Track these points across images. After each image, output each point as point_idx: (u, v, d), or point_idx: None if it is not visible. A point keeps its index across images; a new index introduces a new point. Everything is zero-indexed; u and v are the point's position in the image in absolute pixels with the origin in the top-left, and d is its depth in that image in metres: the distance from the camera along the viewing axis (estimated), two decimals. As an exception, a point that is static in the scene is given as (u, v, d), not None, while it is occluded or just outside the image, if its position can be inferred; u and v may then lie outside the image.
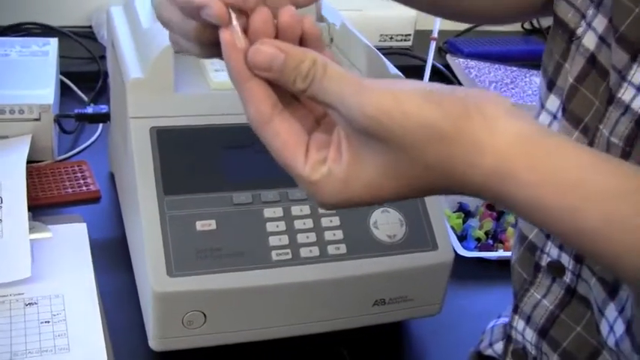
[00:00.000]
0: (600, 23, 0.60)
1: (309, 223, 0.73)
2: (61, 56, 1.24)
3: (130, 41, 0.85)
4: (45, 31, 1.42)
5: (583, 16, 0.63)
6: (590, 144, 0.59)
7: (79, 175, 1.02)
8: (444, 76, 1.47)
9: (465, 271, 0.90)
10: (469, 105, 0.45)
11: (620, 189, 0.44)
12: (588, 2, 0.62)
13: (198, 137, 0.75)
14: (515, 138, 0.44)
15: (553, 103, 0.65)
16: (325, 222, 0.74)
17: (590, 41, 0.61)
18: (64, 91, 1.25)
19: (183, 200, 0.72)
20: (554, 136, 0.47)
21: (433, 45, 1.16)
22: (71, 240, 0.88)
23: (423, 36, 1.55)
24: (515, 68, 1.59)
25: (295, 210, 0.74)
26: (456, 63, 1.54)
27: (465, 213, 1.03)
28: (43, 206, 0.95)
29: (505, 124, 0.45)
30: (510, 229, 1.00)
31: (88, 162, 1.06)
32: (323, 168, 0.48)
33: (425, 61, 1.26)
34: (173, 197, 0.72)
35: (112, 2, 1.42)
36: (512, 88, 1.46)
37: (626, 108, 0.56)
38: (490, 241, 0.98)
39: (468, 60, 1.57)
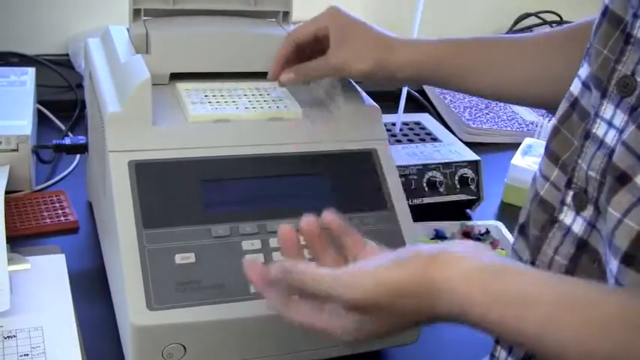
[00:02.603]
0: (585, 71, 0.65)
1: (287, 255, 0.74)
2: (38, 85, 1.24)
3: (108, 74, 0.86)
4: (23, 60, 1.42)
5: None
6: (570, 180, 0.63)
7: (57, 205, 1.03)
8: (418, 102, 1.49)
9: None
10: (426, 259, 0.56)
11: (556, 297, 0.53)
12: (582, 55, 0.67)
13: (176, 170, 0.76)
14: (466, 273, 0.55)
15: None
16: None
17: (575, 87, 0.66)
18: (41, 119, 1.25)
19: (162, 233, 0.73)
20: (502, 267, 0.56)
21: (408, 73, 1.17)
22: (50, 271, 0.88)
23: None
24: (489, 93, 1.61)
25: (273, 242, 0.75)
26: (431, 89, 1.56)
27: (442, 239, 1.04)
28: (22, 237, 0.95)
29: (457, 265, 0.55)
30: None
31: (66, 192, 1.06)
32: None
33: (399, 88, 1.27)
34: (152, 231, 0.72)
35: (88, 31, 1.44)
36: (487, 114, 1.48)
37: (601, 142, 0.60)
38: (466, 268, 0.99)
39: (443, 85, 1.58)
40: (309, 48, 0.84)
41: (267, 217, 0.76)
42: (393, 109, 1.21)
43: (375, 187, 0.81)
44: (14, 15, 1.50)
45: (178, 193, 0.75)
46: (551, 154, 0.68)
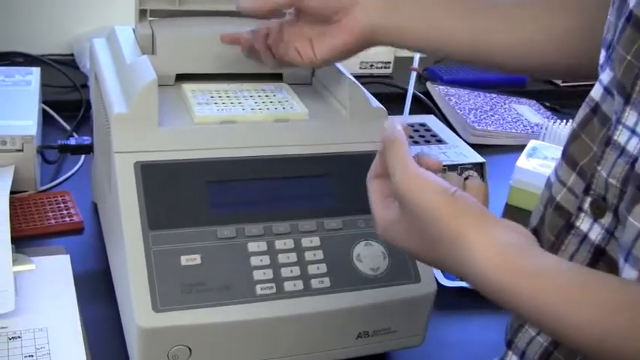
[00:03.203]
0: (607, 76, 0.63)
1: (292, 257, 0.74)
2: (43, 85, 1.24)
3: (114, 75, 0.86)
4: (27, 59, 1.42)
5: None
6: (588, 185, 0.62)
7: (61, 205, 1.03)
8: (423, 104, 1.48)
9: (447, 300, 0.91)
10: (475, 209, 0.57)
11: (575, 277, 0.53)
12: (605, 60, 0.65)
13: (182, 172, 0.76)
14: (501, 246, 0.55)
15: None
16: (309, 256, 0.75)
17: (596, 92, 0.65)
18: (46, 119, 1.25)
19: (167, 235, 0.72)
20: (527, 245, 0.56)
21: (414, 75, 1.17)
22: (55, 272, 0.88)
23: (402, 63, 1.57)
24: (494, 95, 1.61)
25: (279, 244, 0.74)
26: (436, 90, 1.56)
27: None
28: (26, 238, 0.95)
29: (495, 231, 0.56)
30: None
31: (71, 192, 1.06)
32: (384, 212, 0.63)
33: (404, 89, 1.27)
34: (158, 232, 0.72)
35: (93, 31, 1.44)
36: (492, 115, 1.48)
37: (622, 150, 0.58)
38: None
39: (448, 87, 1.59)
40: None
41: (273, 218, 0.76)
42: (399, 111, 1.21)
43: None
44: (19, 15, 1.50)
45: (184, 194, 0.75)
46: (569, 159, 0.66)
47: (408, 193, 0.58)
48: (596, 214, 0.62)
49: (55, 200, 1.04)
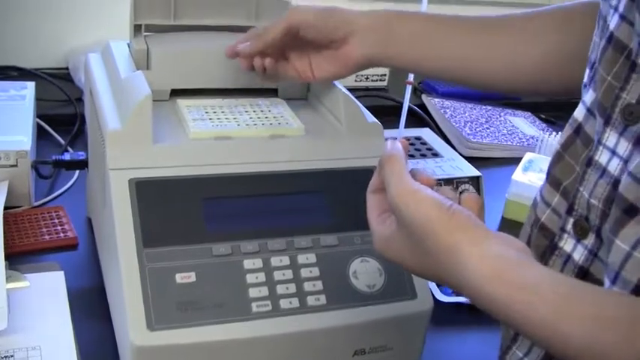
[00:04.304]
0: (590, 97, 0.63)
1: (288, 274, 0.74)
2: (38, 99, 1.24)
3: (108, 90, 0.86)
4: (22, 73, 1.42)
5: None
6: (571, 206, 0.62)
7: (56, 221, 1.02)
8: (419, 116, 1.48)
9: (443, 316, 0.90)
10: (470, 222, 0.56)
11: (568, 290, 0.52)
12: (588, 79, 0.65)
13: (177, 188, 0.75)
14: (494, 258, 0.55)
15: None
16: (305, 273, 0.74)
17: (579, 113, 0.65)
18: (40, 134, 1.24)
19: (162, 252, 0.72)
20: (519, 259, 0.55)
21: (409, 89, 1.17)
22: (48, 289, 0.87)
23: (398, 75, 1.57)
24: (490, 107, 1.61)
25: (275, 261, 0.74)
26: (432, 103, 1.56)
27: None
28: (20, 254, 0.95)
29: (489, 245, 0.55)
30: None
31: (65, 207, 1.06)
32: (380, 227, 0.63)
33: (400, 102, 1.27)
34: (152, 250, 0.72)
35: (88, 44, 1.43)
36: (488, 128, 1.48)
37: (603, 171, 0.59)
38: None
39: (444, 100, 1.59)
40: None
41: (268, 235, 0.75)
42: (394, 124, 1.21)
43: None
44: (14, 28, 1.50)
45: (179, 211, 0.74)
46: (553, 180, 0.67)
47: (403, 207, 0.58)
48: (580, 234, 0.62)
49: (50, 215, 1.03)
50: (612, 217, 0.56)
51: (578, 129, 0.65)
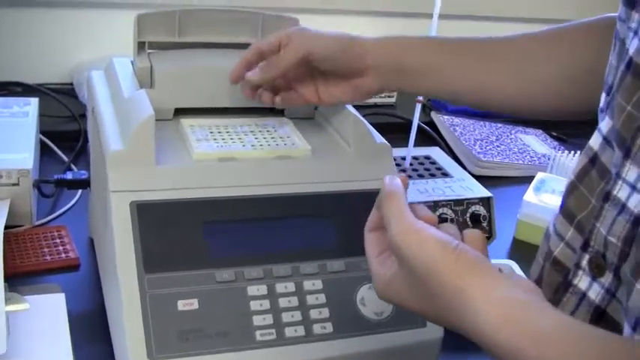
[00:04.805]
0: (606, 124, 0.61)
1: (294, 300, 0.72)
2: (42, 115, 1.22)
3: (111, 109, 0.84)
4: (25, 89, 1.41)
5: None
6: (587, 241, 0.59)
7: (57, 241, 1.00)
8: (428, 134, 1.46)
9: (454, 344, 0.88)
10: (478, 264, 0.54)
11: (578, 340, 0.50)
12: (605, 104, 0.63)
13: (179, 211, 0.73)
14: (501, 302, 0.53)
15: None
16: (311, 299, 0.72)
17: (595, 142, 0.62)
18: (44, 150, 1.23)
19: (164, 278, 0.70)
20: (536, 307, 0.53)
21: (419, 107, 1.15)
22: (49, 312, 0.85)
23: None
24: (500, 125, 1.59)
25: (280, 287, 0.72)
26: (441, 120, 1.54)
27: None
28: (21, 274, 0.93)
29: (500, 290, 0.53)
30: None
31: (67, 227, 1.04)
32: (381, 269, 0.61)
33: (408, 120, 1.25)
34: (154, 275, 0.70)
35: (92, 60, 1.42)
36: (498, 146, 1.46)
37: (623, 207, 0.56)
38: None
39: (453, 117, 1.56)
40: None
41: (273, 260, 0.73)
42: (403, 142, 1.19)
43: (385, 228, 0.78)
44: (17, 44, 1.49)
45: (181, 235, 0.72)
46: (567, 212, 0.64)
47: (405, 247, 0.56)
48: (595, 272, 0.59)
49: (52, 235, 1.01)
50: (633, 259, 0.54)
51: (594, 159, 0.62)
